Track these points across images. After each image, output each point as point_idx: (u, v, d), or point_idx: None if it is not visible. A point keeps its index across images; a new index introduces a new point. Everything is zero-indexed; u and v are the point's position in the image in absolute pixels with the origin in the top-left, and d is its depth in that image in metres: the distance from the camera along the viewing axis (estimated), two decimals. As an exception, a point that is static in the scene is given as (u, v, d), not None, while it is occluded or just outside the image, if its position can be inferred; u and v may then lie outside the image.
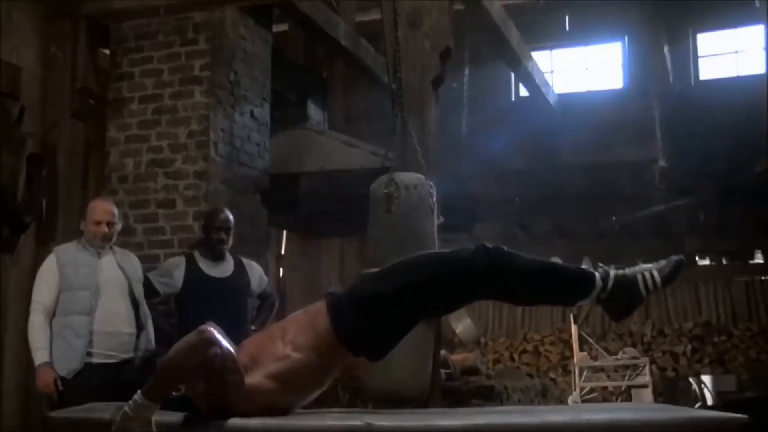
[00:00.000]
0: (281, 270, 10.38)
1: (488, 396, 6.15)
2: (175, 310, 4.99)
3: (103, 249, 4.55)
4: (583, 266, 2.98)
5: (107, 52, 6.34)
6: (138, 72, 6.12)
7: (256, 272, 5.12)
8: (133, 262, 4.74)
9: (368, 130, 8.45)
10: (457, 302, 3.09)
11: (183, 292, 4.87)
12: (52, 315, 4.37)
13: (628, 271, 2.97)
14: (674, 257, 3.00)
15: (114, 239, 4.63)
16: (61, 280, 4.39)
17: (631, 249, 11.65)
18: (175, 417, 2.82)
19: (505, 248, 2.93)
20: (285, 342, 2.91)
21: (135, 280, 4.62)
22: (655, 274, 2.96)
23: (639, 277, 2.95)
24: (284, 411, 2.95)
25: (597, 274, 2.93)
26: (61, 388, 4.24)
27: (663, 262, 3.00)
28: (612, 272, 2.94)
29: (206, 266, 4.92)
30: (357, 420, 2.74)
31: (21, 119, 5.57)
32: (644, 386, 9.40)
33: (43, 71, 5.96)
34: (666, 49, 11.08)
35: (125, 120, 6.10)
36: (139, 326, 4.57)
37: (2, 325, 5.45)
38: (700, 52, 11.52)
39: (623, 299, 2.96)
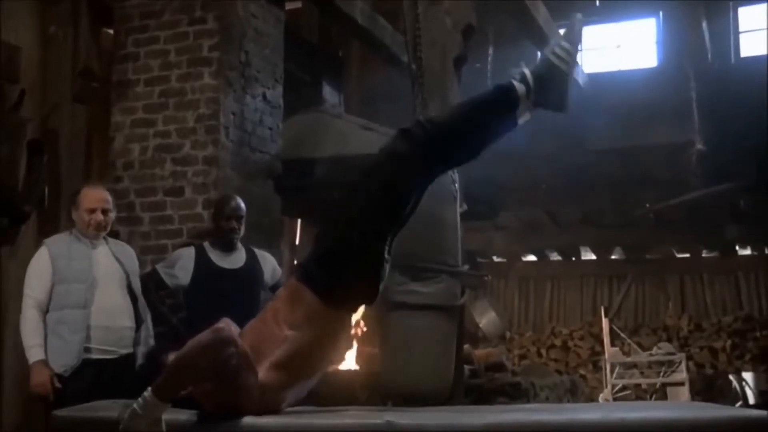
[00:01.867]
0: (295, 261, 10.40)
1: (514, 393, 6.15)
2: (184, 304, 5.01)
3: (97, 239, 4.52)
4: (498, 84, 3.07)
5: (110, 31, 6.36)
6: (143, 53, 6.13)
7: (269, 263, 5.13)
8: (129, 254, 4.73)
9: (386, 113, 8.41)
10: (411, 195, 3.09)
11: (192, 285, 4.88)
12: (45, 310, 4.34)
13: (539, 60, 3.10)
14: (572, 16, 3.11)
15: (108, 228, 4.60)
16: (54, 273, 4.35)
17: (665, 238, 11.62)
18: (185, 416, 2.84)
19: (420, 119, 3.01)
20: (279, 324, 2.95)
21: (132, 273, 4.61)
22: (563, 43, 3.08)
23: (552, 57, 3.05)
24: (298, 396, 2.99)
25: (514, 81, 3.01)
26: (58, 385, 4.21)
27: (563, 30, 3.17)
28: (526, 69, 3.03)
29: (217, 257, 4.93)
30: (377, 418, 2.75)
31: (20, 103, 5.60)
32: (680, 384, 9.38)
33: (43, 52, 5.98)
34: (704, 24, 10.98)
35: (130, 103, 6.11)
36: (138, 320, 4.57)
37: (2, 320, 5.50)
38: (740, 27, 11.41)
39: (552, 86, 3.05)
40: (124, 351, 4.45)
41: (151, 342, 4.62)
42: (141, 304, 4.62)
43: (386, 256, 3.04)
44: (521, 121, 3.06)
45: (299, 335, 2.93)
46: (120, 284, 4.53)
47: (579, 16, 3.07)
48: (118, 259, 4.58)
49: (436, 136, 2.99)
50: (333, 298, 2.96)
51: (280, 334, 2.93)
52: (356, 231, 2.98)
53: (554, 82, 3.04)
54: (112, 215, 4.63)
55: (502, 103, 3.03)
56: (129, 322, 4.51)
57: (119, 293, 4.51)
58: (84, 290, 4.36)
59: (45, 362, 4.26)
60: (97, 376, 4.26)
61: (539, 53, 10.87)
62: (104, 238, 4.60)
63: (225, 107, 5.93)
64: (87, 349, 4.32)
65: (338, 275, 2.96)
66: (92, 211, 4.48)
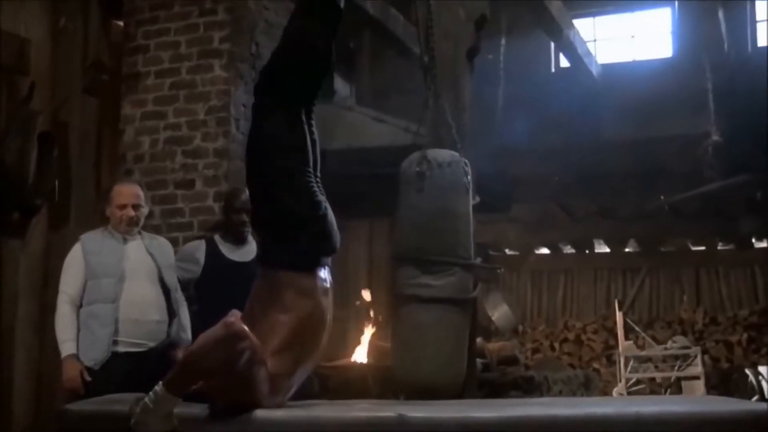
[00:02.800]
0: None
1: (527, 387, 6.14)
2: (195, 297, 5.03)
3: (129, 234, 4.62)
4: None
5: (120, 24, 6.37)
6: (153, 45, 6.14)
7: (280, 257, 5.12)
8: (163, 247, 4.81)
9: (398, 105, 8.40)
10: (294, 127, 3.15)
11: (203, 278, 4.90)
12: (79, 305, 4.45)
13: None
14: None
15: (141, 223, 4.71)
16: (87, 268, 4.47)
17: (680, 231, 11.57)
18: (197, 410, 2.85)
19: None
20: (264, 312, 2.97)
21: (165, 266, 4.68)
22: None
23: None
24: (303, 377, 3.02)
25: None
26: (88, 379, 4.30)
27: None
28: None
29: (227, 250, 4.94)
30: (389, 411, 2.76)
31: (30, 96, 5.62)
32: (696, 378, 9.35)
33: (53, 45, 6.01)
34: (720, 13, 10.89)
35: (140, 96, 6.13)
36: (171, 313, 4.63)
37: (13, 314, 5.53)
38: (757, 17, 11.33)
39: None
40: (153, 344, 4.51)
41: (184, 336, 4.68)
42: (173, 297, 4.67)
43: (320, 197, 3.08)
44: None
45: (286, 314, 2.96)
46: (150, 278, 4.59)
47: None
48: (150, 253, 4.65)
49: (274, 70, 3.15)
50: (295, 261, 3.00)
51: (268, 321, 2.96)
52: (278, 196, 3.03)
53: None
54: (145, 210, 4.75)
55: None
56: (158, 315, 4.57)
57: (149, 287, 4.57)
58: (113, 284, 4.45)
59: (76, 356, 4.36)
60: (127, 369, 4.32)
61: (552, 44, 10.86)
62: (139, 232, 4.70)
63: (236, 99, 5.95)
64: (115, 342, 4.40)
65: (284, 237, 3.02)
66: (123, 207, 4.59)
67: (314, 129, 3.19)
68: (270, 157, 3.05)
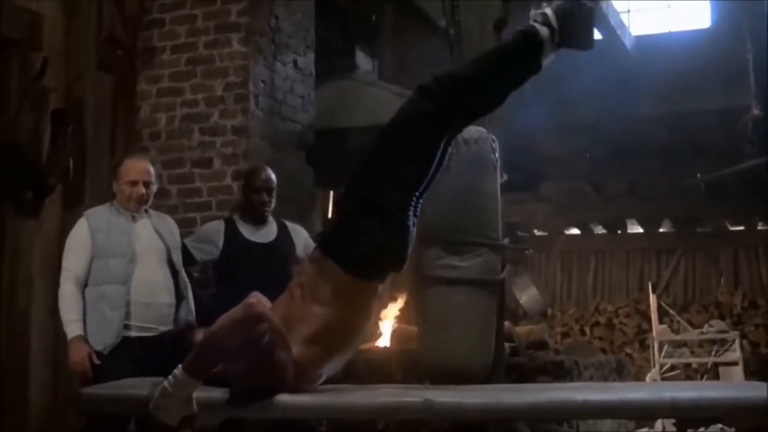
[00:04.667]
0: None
1: (557, 373, 6.13)
2: (213, 279, 5.05)
3: (138, 212, 4.55)
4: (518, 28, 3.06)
5: (135, -3, 6.38)
6: (169, 19, 6.15)
7: (301, 237, 5.14)
8: (170, 227, 4.75)
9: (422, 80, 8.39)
10: (435, 153, 3.11)
11: (222, 260, 4.92)
12: (84, 284, 4.38)
13: None
14: None
15: (150, 201, 4.63)
16: (93, 246, 4.38)
17: (717, 210, 11.48)
18: (218, 394, 2.87)
19: (439, 74, 3.03)
20: (306, 300, 2.97)
21: (173, 246, 4.63)
22: None
23: None
24: (333, 371, 3.02)
25: (536, 24, 3.00)
26: (97, 362, 4.24)
27: None
28: (547, 10, 3.00)
29: (247, 231, 4.96)
30: (415, 396, 2.76)
31: (43, 72, 5.64)
32: (734, 363, 9.29)
33: (66, 19, 6.01)
34: (761, -20, 10.76)
35: (156, 71, 6.15)
36: (179, 296, 4.58)
37: (29, 295, 5.58)
38: (800, -16, 11.18)
39: (576, 24, 3.03)
40: (163, 328, 4.47)
41: (191, 319, 4.64)
42: (182, 279, 4.63)
43: (412, 219, 3.04)
44: (545, 63, 3.04)
45: (328, 310, 2.95)
46: (160, 259, 4.55)
47: None
48: (158, 233, 4.60)
49: (457, 90, 2.99)
50: (358, 268, 2.97)
51: (308, 311, 2.95)
52: (379, 194, 2.97)
53: (578, 19, 3.00)
54: (154, 188, 4.66)
55: (525, 50, 3.02)
56: (168, 298, 4.53)
57: (159, 268, 4.53)
58: (124, 265, 4.39)
59: (83, 338, 4.30)
60: (137, 355, 4.28)
61: None
62: (146, 210, 4.63)
63: (254, 75, 5.95)
64: (126, 326, 4.35)
65: (362, 243, 2.96)
66: (134, 183, 4.50)
67: (445, 157, 3.15)
68: (394, 157, 3.02)
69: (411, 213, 3.05)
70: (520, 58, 3.05)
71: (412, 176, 3.05)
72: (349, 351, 3.11)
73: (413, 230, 3.08)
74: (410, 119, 3.06)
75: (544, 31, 2.97)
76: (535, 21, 3.00)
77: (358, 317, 3.06)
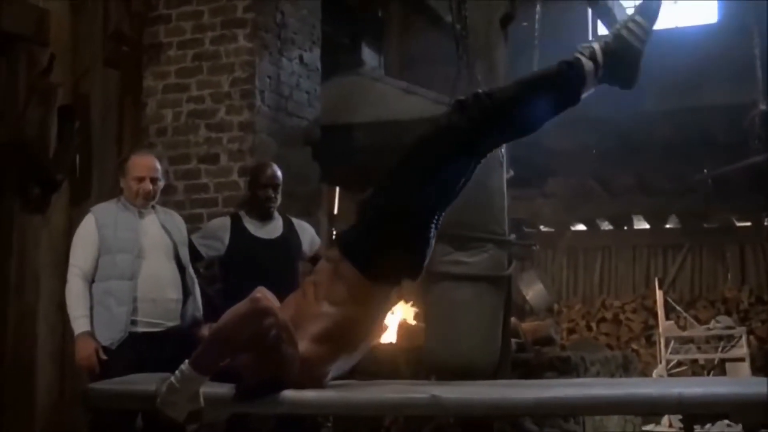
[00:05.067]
0: (334, 230, 10.44)
1: (563, 368, 6.14)
2: (220, 275, 5.07)
3: (145, 208, 4.56)
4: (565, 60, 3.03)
5: (141, -8, 6.39)
6: (175, 14, 6.15)
7: (307, 233, 5.15)
8: (177, 222, 4.76)
9: (429, 76, 8.37)
10: (464, 170, 3.11)
11: (228, 256, 4.93)
12: (91, 280, 4.39)
13: (609, 35, 3.05)
14: None
15: (157, 197, 4.65)
16: (100, 242, 4.39)
17: (725, 205, 11.46)
18: (225, 389, 2.88)
19: (479, 92, 3.00)
20: (320, 299, 2.97)
21: (180, 242, 4.64)
22: (638, 18, 3.07)
23: (624, 33, 3.04)
24: (341, 371, 3.02)
25: (582, 58, 2.99)
26: (104, 357, 4.26)
27: (640, 4, 3.12)
28: (595, 45, 3.01)
29: (253, 227, 4.97)
30: (421, 392, 2.77)
31: (50, 68, 5.65)
32: (741, 359, 9.28)
33: (73, 15, 6.02)
34: (768, -25, 10.73)
35: (162, 67, 6.15)
36: (186, 292, 4.59)
37: (36, 291, 5.59)
38: (808, -22, 11.14)
39: (623, 64, 3.06)
40: (170, 324, 4.47)
41: (198, 315, 4.64)
42: (189, 275, 4.64)
43: (433, 232, 3.04)
44: (580, 98, 3.04)
45: (341, 311, 2.95)
46: (167, 255, 4.56)
47: None
48: (165, 228, 4.60)
49: (495, 112, 2.97)
50: (375, 273, 2.97)
51: (321, 310, 2.96)
52: (405, 205, 2.97)
53: (626, 59, 3.00)
54: (161, 184, 4.68)
55: (567, 81, 3.00)
56: (176, 294, 4.54)
57: (166, 264, 4.54)
58: (131, 261, 4.40)
59: (90, 334, 4.31)
60: (144, 350, 4.28)
61: (589, 11, 10.74)
62: (153, 206, 4.64)
63: (260, 71, 5.95)
64: (133, 322, 4.35)
65: (382, 250, 2.97)
66: (141, 179, 4.51)
67: (471, 176, 3.15)
68: (423, 170, 3.01)
69: (433, 226, 3.06)
70: (560, 88, 3.03)
71: (438, 191, 3.05)
72: (358, 352, 3.11)
73: (433, 242, 3.08)
74: (443, 133, 3.04)
75: (588, 65, 2.96)
76: (581, 54, 2.98)
77: (369, 320, 3.06)
